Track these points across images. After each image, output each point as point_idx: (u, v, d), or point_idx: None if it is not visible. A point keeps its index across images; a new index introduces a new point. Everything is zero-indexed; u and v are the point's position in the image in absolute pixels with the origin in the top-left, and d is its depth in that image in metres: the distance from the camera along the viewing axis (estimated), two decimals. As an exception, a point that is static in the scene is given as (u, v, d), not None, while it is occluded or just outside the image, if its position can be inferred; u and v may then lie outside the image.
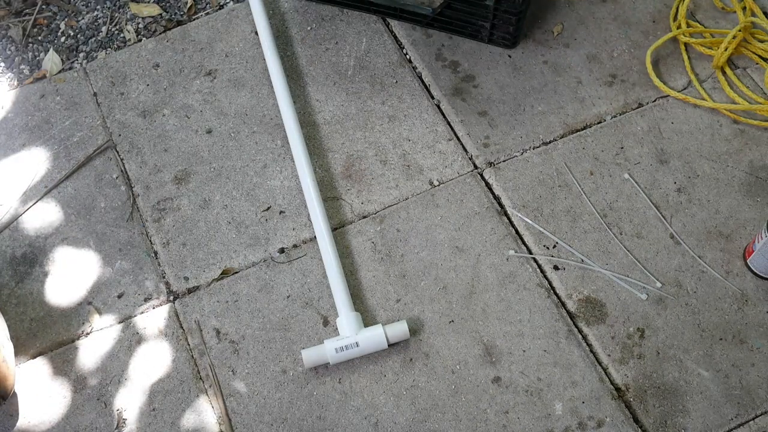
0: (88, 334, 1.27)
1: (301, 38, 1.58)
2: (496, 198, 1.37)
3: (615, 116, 1.44)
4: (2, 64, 1.62)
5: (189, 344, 1.25)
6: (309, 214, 1.35)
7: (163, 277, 1.32)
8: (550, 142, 1.42)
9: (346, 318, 1.21)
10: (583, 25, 1.56)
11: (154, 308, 1.29)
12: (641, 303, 1.25)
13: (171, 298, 1.30)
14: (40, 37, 1.65)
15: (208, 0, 1.67)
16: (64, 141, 1.47)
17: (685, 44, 1.51)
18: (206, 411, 1.20)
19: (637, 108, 1.45)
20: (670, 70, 1.49)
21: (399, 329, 1.20)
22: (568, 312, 1.25)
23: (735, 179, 1.36)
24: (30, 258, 1.35)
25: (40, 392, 1.22)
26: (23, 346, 1.26)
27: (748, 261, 1.26)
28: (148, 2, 1.68)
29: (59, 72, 1.58)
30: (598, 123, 1.44)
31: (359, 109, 1.48)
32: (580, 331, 1.23)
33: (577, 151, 1.40)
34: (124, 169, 1.44)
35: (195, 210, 1.38)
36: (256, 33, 1.58)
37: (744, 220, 1.32)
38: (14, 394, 1.22)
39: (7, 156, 1.46)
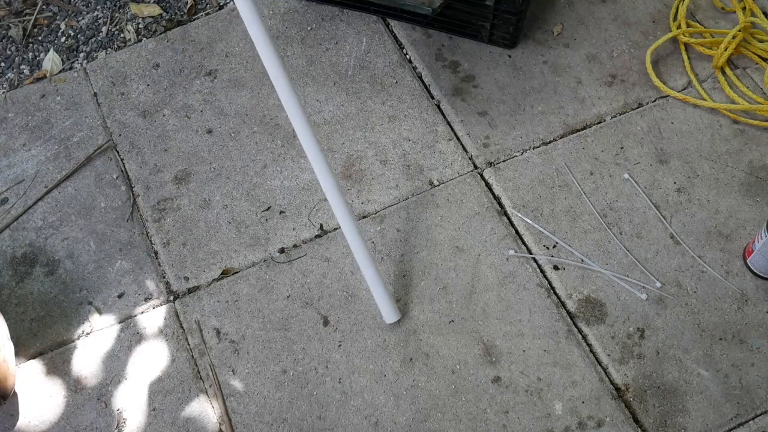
0: (88, 334, 1.27)
1: (301, 38, 1.58)
2: (496, 198, 1.37)
3: (615, 116, 1.44)
4: (2, 64, 1.62)
5: (189, 344, 1.25)
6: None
7: (163, 277, 1.32)
8: (550, 142, 1.42)
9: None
10: (583, 25, 1.56)
11: (154, 308, 1.29)
12: (641, 303, 1.25)
13: (171, 298, 1.30)
14: (40, 37, 1.65)
15: (208, 0, 1.67)
16: (64, 141, 1.47)
17: (685, 44, 1.51)
18: (206, 411, 1.20)
19: (637, 108, 1.45)
20: (670, 70, 1.49)
21: None
22: (568, 312, 1.25)
23: (735, 179, 1.36)
24: (30, 258, 1.35)
25: (41, 392, 1.22)
26: (23, 346, 1.26)
27: (747, 261, 1.26)
28: (149, 2, 1.68)
29: (59, 72, 1.58)
30: (598, 123, 1.44)
31: (359, 109, 1.48)
32: (580, 331, 1.23)
33: (577, 151, 1.41)
34: (124, 169, 1.44)
35: (195, 210, 1.38)
36: (256, 33, 1.58)
37: (744, 220, 1.32)
38: (14, 394, 1.22)
39: (7, 156, 1.46)
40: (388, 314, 1.23)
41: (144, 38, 1.62)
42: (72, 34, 1.65)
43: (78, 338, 1.27)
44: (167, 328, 1.27)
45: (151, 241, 1.36)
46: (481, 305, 1.26)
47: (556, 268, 1.29)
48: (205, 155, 1.44)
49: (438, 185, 1.38)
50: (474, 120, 1.45)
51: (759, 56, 1.49)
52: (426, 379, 1.20)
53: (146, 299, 1.30)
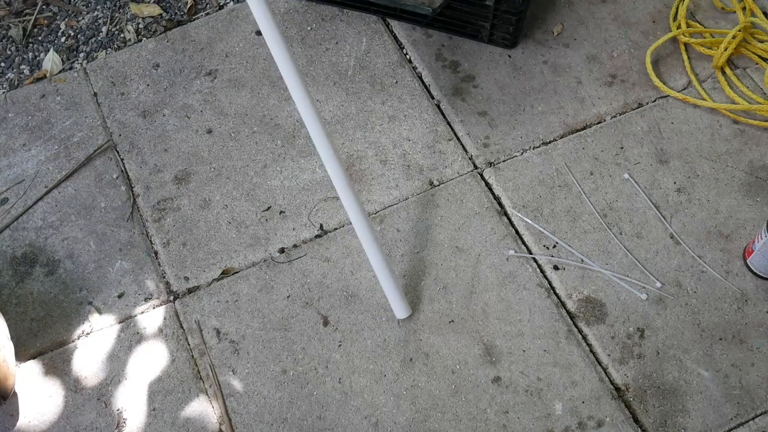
0: (88, 334, 1.27)
1: (301, 38, 1.58)
2: (496, 198, 1.37)
3: (615, 116, 1.44)
4: (2, 64, 1.62)
5: (189, 344, 1.25)
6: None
7: (163, 277, 1.32)
8: (550, 142, 1.42)
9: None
10: (583, 25, 1.56)
11: (154, 308, 1.29)
12: (641, 303, 1.25)
13: (171, 298, 1.30)
14: (40, 37, 1.65)
15: (208, 0, 1.67)
16: (64, 141, 1.47)
17: (685, 44, 1.51)
18: (206, 411, 1.20)
19: (637, 108, 1.45)
20: (670, 70, 1.49)
21: None
22: (568, 312, 1.25)
23: (735, 179, 1.36)
24: (30, 258, 1.35)
25: (41, 392, 1.22)
26: (23, 346, 1.26)
27: (747, 261, 1.26)
28: (149, 2, 1.68)
29: (59, 72, 1.58)
30: (598, 123, 1.44)
31: (359, 109, 1.48)
32: (580, 331, 1.23)
33: (577, 151, 1.41)
34: (124, 169, 1.44)
35: (195, 210, 1.38)
36: (257, 33, 1.58)
37: (744, 220, 1.32)
38: (14, 394, 1.22)
39: (7, 156, 1.46)
40: (399, 310, 1.23)
41: (144, 38, 1.62)
42: (72, 34, 1.65)
43: (78, 338, 1.27)
44: (167, 328, 1.27)
45: (151, 241, 1.36)
46: (481, 305, 1.26)
47: (556, 268, 1.29)
48: (205, 155, 1.44)
49: (438, 185, 1.38)
50: (474, 120, 1.45)
51: (759, 56, 1.49)
52: (426, 379, 1.20)
53: (146, 299, 1.30)
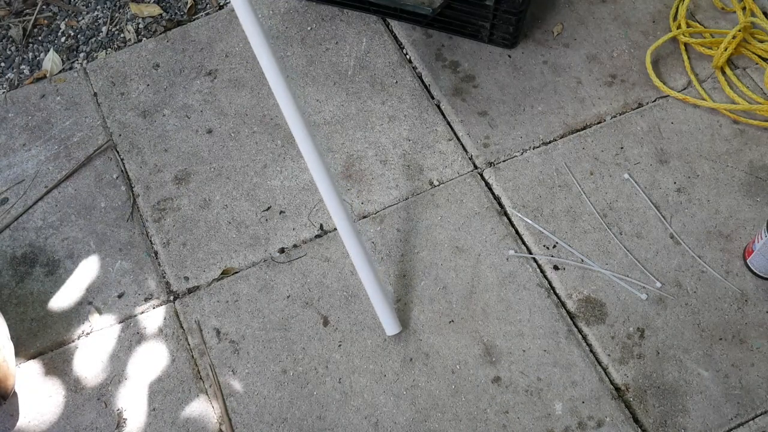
0: (88, 334, 1.27)
1: (301, 38, 1.58)
2: (496, 198, 1.37)
3: (615, 116, 1.44)
4: (2, 64, 1.62)
5: (189, 344, 1.25)
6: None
7: (163, 277, 1.32)
8: (550, 142, 1.42)
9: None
10: (583, 25, 1.56)
11: (154, 308, 1.29)
12: (641, 303, 1.25)
13: (171, 298, 1.30)
14: (40, 37, 1.65)
15: (208, 0, 1.67)
16: (64, 141, 1.47)
17: (685, 44, 1.51)
18: (206, 411, 1.20)
19: (637, 108, 1.45)
20: (670, 70, 1.49)
21: None
22: (568, 312, 1.25)
23: (735, 179, 1.36)
24: (30, 258, 1.35)
25: (41, 392, 1.22)
26: (23, 346, 1.26)
27: (747, 261, 1.26)
28: (149, 2, 1.68)
29: (59, 72, 1.58)
30: (598, 123, 1.44)
31: (359, 109, 1.48)
32: (580, 331, 1.23)
33: (577, 151, 1.41)
34: (124, 169, 1.44)
35: (195, 210, 1.38)
36: (256, 33, 1.58)
37: (744, 220, 1.32)
38: (14, 394, 1.22)
39: (7, 156, 1.46)
40: (389, 326, 1.22)
41: (144, 38, 1.62)
42: (72, 34, 1.65)
43: (78, 338, 1.27)
44: (167, 328, 1.27)
45: (151, 241, 1.36)
46: (481, 305, 1.26)
47: (556, 268, 1.29)
48: (205, 155, 1.44)
49: (438, 185, 1.38)
50: (474, 120, 1.45)
51: (759, 56, 1.49)
52: (426, 379, 1.20)
53: (146, 299, 1.30)
